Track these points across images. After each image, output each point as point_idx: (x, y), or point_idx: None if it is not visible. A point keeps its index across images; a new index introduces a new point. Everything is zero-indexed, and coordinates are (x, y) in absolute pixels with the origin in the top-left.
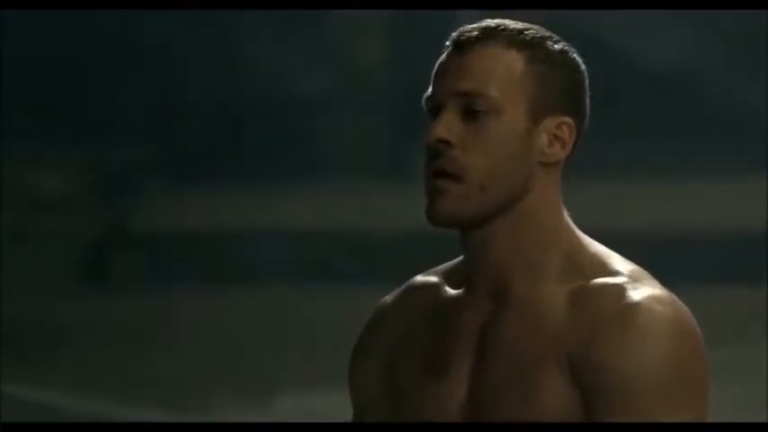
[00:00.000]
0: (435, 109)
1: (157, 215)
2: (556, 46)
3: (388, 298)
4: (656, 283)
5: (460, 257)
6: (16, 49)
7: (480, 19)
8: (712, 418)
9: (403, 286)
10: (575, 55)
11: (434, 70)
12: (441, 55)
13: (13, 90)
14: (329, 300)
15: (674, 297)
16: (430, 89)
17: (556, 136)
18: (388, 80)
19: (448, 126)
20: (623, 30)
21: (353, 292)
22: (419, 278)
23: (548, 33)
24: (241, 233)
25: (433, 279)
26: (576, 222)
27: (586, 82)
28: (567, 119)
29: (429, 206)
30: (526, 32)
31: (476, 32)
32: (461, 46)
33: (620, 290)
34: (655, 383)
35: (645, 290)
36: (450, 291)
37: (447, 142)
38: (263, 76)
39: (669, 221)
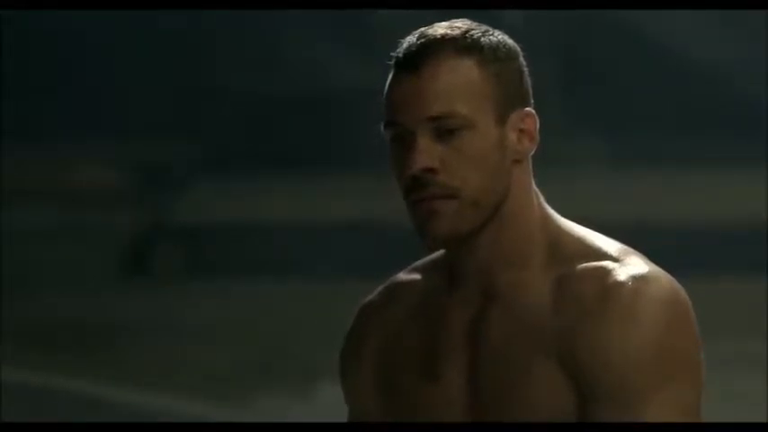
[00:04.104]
0: (401, 135)
1: (199, 209)
2: (494, 38)
3: (372, 298)
4: (642, 260)
5: (441, 252)
6: (60, 48)
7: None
8: (712, 410)
9: (386, 284)
10: (509, 40)
11: (389, 96)
12: (390, 76)
13: (56, 88)
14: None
15: (662, 273)
16: (391, 117)
17: (522, 130)
18: None
19: (428, 154)
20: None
21: None
22: (402, 275)
23: (482, 27)
24: (284, 226)
25: (416, 276)
26: (568, 214)
27: (525, 63)
28: (527, 109)
29: (425, 228)
30: (468, 35)
31: (423, 48)
32: (413, 66)
33: (602, 272)
34: (641, 363)
35: (628, 269)
36: (436, 287)
37: (432, 170)
38: (303, 70)
39: (669, 212)
